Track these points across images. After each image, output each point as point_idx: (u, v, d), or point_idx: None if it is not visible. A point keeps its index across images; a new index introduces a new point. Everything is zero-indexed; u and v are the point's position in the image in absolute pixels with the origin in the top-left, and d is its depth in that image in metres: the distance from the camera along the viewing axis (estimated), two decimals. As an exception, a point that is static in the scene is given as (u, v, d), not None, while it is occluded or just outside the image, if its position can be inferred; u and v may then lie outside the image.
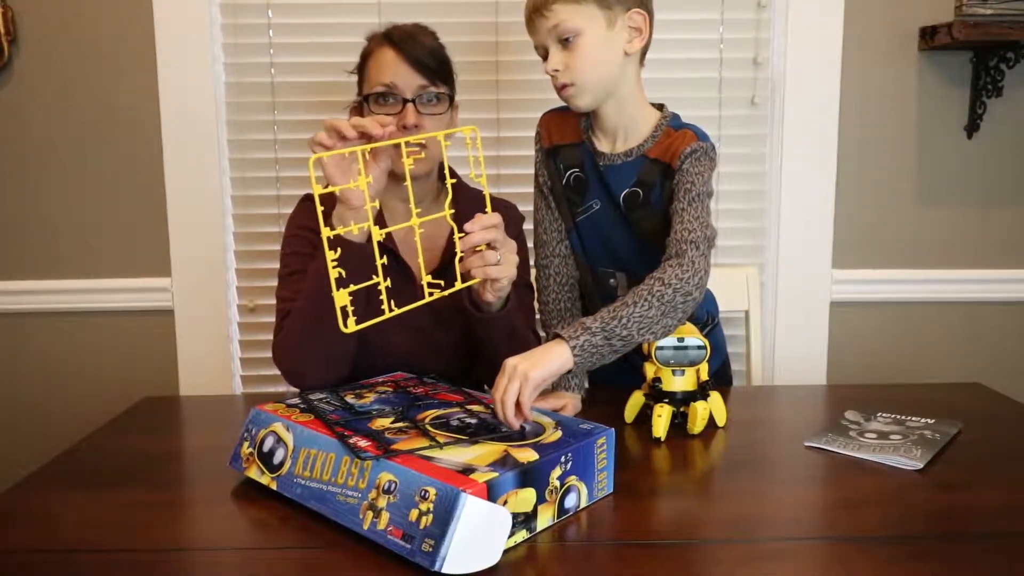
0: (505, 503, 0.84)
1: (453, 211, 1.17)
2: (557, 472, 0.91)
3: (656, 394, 1.23)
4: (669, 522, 0.94)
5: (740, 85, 1.94)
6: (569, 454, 0.93)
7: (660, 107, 1.37)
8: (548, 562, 0.86)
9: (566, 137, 1.40)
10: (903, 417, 1.26)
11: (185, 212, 1.92)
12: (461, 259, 1.18)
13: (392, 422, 1.00)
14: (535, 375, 1.05)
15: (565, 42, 1.24)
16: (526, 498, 0.87)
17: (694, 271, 1.19)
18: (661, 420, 1.19)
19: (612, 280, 1.39)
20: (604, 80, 1.28)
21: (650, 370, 1.24)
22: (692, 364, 1.22)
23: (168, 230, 1.93)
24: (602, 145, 1.36)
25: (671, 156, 1.29)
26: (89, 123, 1.91)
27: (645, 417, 1.23)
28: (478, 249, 1.17)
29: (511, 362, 1.07)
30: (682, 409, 1.22)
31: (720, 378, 1.52)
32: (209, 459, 1.13)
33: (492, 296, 1.21)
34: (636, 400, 1.27)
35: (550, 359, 1.09)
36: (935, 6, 1.88)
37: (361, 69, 1.39)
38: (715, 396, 1.24)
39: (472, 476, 0.83)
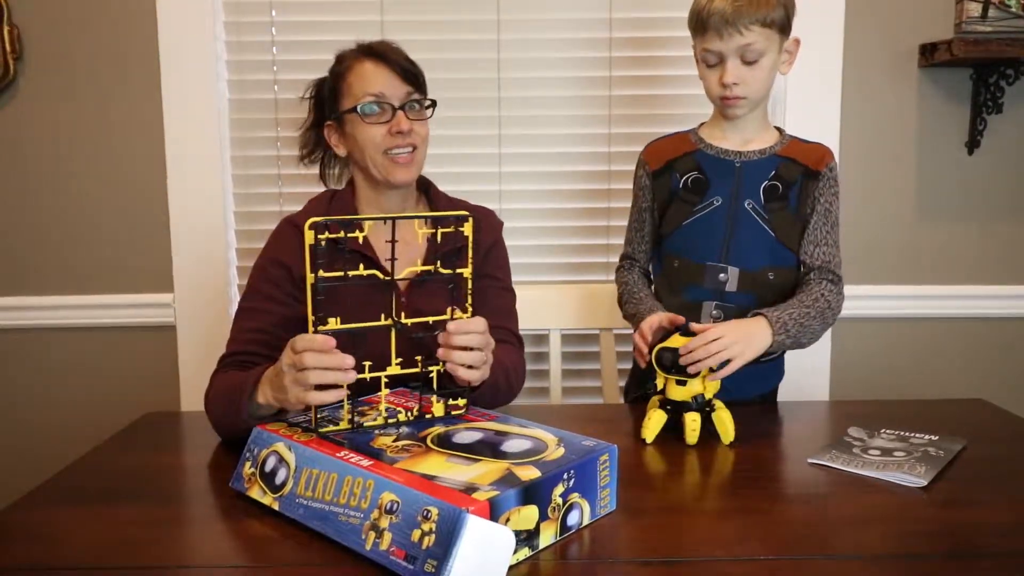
0: (507, 521, 0.84)
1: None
2: (560, 489, 0.91)
3: (661, 402, 1.26)
4: (672, 539, 0.93)
5: (741, 101, 1.95)
6: (572, 471, 0.92)
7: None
8: (551, 581, 0.85)
9: (678, 151, 1.48)
10: (907, 433, 1.25)
11: (188, 228, 1.93)
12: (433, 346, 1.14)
13: (394, 440, 1.00)
14: (748, 357, 1.26)
15: (747, 59, 1.33)
16: (528, 516, 0.87)
17: (843, 300, 1.45)
18: (651, 423, 1.22)
19: (722, 275, 1.43)
20: (765, 96, 1.41)
21: (659, 379, 1.26)
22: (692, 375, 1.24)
23: (171, 246, 1.93)
24: (729, 144, 1.44)
25: (813, 160, 1.42)
26: (93, 140, 1.92)
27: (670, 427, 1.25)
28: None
29: (730, 338, 1.23)
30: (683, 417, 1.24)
31: (770, 397, 1.57)
32: (211, 476, 1.13)
33: (461, 383, 1.16)
34: (659, 417, 1.25)
35: (759, 343, 1.29)
36: (935, 23, 1.89)
37: (336, 87, 1.38)
38: (720, 412, 1.24)
39: (474, 495, 0.83)
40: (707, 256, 1.43)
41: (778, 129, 1.48)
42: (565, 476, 0.91)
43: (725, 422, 1.23)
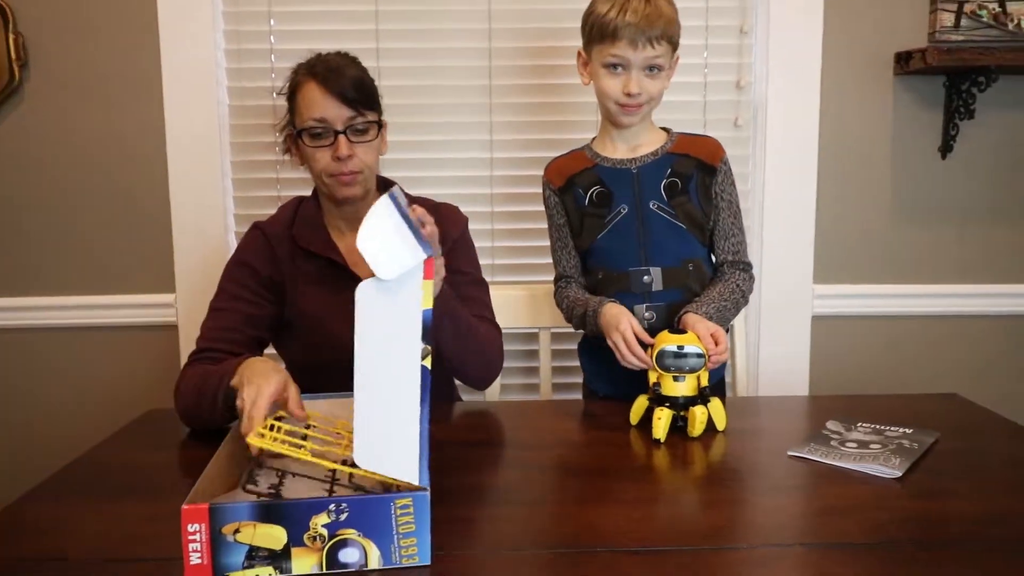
0: (237, 531, 0.83)
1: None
2: (323, 519, 0.84)
3: (657, 398, 1.28)
4: (656, 529, 0.94)
5: (724, 108, 1.99)
6: (344, 505, 0.84)
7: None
8: None
9: (576, 168, 1.53)
10: (882, 427, 1.27)
11: (189, 229, 1.95)
12: None
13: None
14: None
15: (650, 70, 1.42)
16: (270, 534, 0.84)
17: (754, 283, 1.52)
18: (661, 423, 1.23)
19: (646, 277, 1.48)
20: (658, 104, 1.48)
21: (652, 376, 1.30)
22: (692, 371, 1.27)
23: (173, 247, 1.95)
24: (620, 153, 1.52)
25: (705, 154, 1.50)
26: (96, 143, 1.94)
27: (650, 420, 1.26)
28: None
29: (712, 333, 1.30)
30: (682, 413, 1.26)
31: (719, 389, 1.59)
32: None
33: None
34: (640, 404, 1.32)
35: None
36: (910, 32, 1.93)
37: (291, 99, 1.41)
38: (715, 402, 1.28)
39: (213, 500, 0.84)
40: (628, 263, 1.49)
41: (665, 129, 1.55)
42: (332, 507, 0.84)
43: (719, 410, 1.28)
